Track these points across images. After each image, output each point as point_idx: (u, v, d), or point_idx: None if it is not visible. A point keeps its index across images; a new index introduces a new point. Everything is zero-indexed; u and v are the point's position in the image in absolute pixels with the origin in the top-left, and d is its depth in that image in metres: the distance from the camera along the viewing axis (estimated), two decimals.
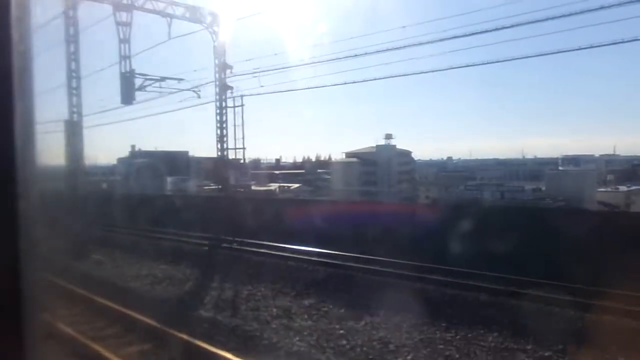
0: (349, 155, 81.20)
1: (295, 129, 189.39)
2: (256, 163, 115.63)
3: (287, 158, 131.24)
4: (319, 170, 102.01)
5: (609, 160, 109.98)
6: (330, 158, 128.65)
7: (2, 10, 0.99)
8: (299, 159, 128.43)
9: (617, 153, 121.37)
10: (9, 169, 1.00)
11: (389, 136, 77.79)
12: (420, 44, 16.52)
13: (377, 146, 77.35)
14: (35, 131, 1.10)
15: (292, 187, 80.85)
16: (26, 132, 1.04)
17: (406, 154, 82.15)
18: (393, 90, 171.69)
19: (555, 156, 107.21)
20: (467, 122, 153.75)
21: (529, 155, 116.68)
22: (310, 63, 18.95)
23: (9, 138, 1.00)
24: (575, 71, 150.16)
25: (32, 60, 1.08)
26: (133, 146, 79.17)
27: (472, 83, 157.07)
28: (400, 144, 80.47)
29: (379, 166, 76.48)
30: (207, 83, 19.37)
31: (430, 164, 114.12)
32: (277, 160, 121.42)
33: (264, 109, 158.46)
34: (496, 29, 15.71)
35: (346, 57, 17.94)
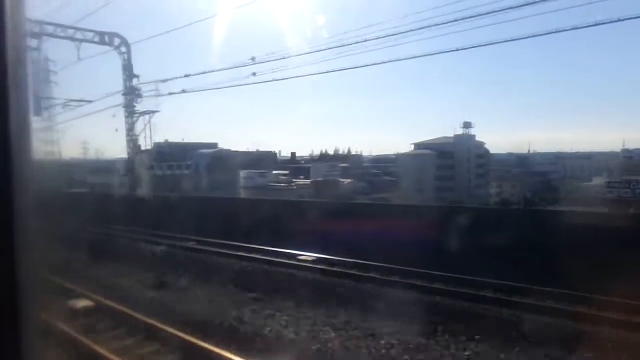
0: (418, 146, 71.70)
1: (291, 122, 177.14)
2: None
3: (286, 153, 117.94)
4: (364, 164, 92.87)
5: None
6: (349, 152, 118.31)
7: None
8: (301, 153, 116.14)
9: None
10: (6, 163, 0.98)
11: (467, 125, 68.64)
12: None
13: (455, 136, 68.13)
14: (30, 125, 1.07)
15: (345, 182, 71.70)
16: (21, 126, 1.02)
17: (480, 145, 73.01)
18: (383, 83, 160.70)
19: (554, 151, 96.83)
20: (469, 118, 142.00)
21: (531, 151, 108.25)
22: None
23: (4, 132, 0.98)
24: (575, 67, 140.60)
25: (26, 54, 1.06)
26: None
27: (470, 78, 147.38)
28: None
29: (457, 159, 67.34)
30: None
31: None
32: (293, 155, 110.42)
33: (259, 100, 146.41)
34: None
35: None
